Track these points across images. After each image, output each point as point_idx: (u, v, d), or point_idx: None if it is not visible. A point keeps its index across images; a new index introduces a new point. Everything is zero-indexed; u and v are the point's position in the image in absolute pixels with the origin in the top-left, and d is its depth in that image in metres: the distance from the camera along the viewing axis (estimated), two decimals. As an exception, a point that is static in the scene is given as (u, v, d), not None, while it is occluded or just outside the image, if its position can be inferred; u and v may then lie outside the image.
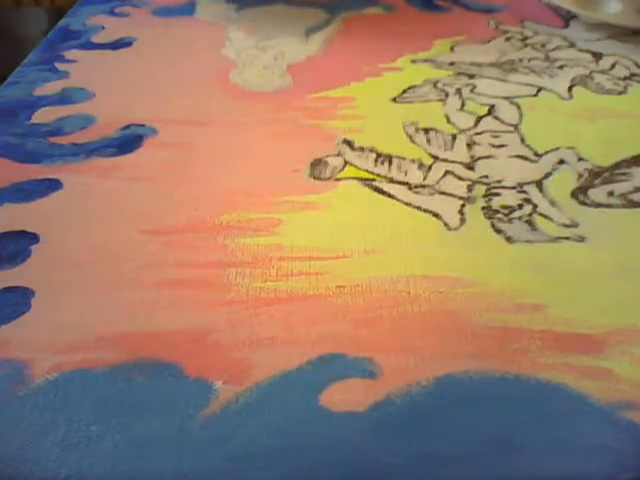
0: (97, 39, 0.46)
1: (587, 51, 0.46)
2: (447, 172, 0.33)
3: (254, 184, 0.32)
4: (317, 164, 0.33)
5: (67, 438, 0.21)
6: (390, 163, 0.34)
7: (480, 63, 0.44)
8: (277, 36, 0.47)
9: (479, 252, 0.28)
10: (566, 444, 0.21)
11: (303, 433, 0.21)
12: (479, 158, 0.34)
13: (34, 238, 0.28)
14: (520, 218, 0.30)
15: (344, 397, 0.22)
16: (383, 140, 0.35)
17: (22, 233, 0.29)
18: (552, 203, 0.31)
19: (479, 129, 0.37)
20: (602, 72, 0.43)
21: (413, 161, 0.34)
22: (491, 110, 0.38)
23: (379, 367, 0.23)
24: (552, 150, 0.35)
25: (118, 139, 0.35)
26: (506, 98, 0.40)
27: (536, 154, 0.35)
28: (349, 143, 0.35)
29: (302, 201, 0.31)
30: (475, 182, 0.32)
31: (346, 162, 0.34)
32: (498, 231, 0.29)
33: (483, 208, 0.31)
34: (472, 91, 0.40)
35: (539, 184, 0.32)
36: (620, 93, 0.41)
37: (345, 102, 0.39)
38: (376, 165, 0.33)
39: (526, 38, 0.48)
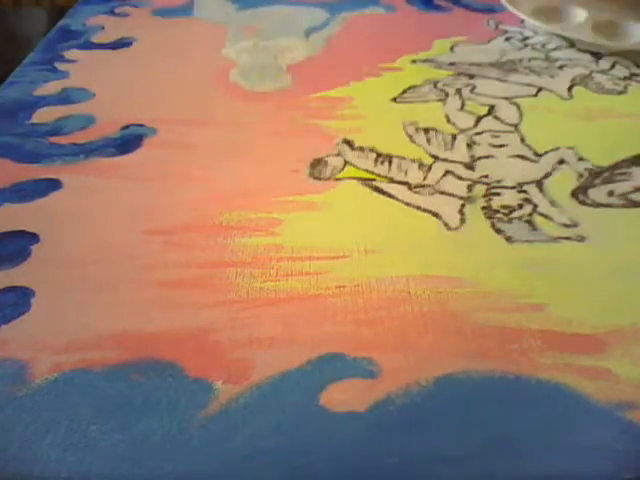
0: (97, 39, 0.46)
1: (587, 51, 0.46)
2: (447, 172, 0.33)
3: (254, 184, 0.32)
4: (317, 164, 0.33)
5: (67, 438, 0.21)
6: (390, 163, 0.34)
7: (480, 63, 0.44)
8: (277, 36, 0.47)
9: (479, 252, 0.28)
10: (566, 444, 0.21)
11: (303, 433, 0.21)
12: (479, 158, 0.34)
13: (34, 238, 0.28)
14: (520, 218, 0.30)
15: (344, 397, 0.22)
16: (383, 140, 0.35)
17: (22, 233, 0.29)
18: (552, 203, 0.31)
19: (479, 129, 0.37)
20: (602, 72, 0.43)
21: (413, 161, 0.34)
22: (491, 110, 0.38)
23: (379, 367, 0.23)
24: (552, 150, 0.35)
25: (118, 139, 0.35)
26: (506, 98, 0.40)
27: (536, 154, 0.35)
28: (349, 143, 0.35)
29: (302, 201, 0.31)
30: (475, 182, 0.32)
31: (346, 162, 0.34)
32: (498, 231, 0.29)
33: (483, 208, 0.31)
34: (472, 91, 0.40)
35: (539, 184, 0.32)
36: (620, 93, 0.41)
37: (345, 102, 0.39)
38: (376, 165, 0.33)
39: (526, 38, 0.48)
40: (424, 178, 0.33)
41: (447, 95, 0.40)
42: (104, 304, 0.25)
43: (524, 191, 0.32)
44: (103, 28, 0.47)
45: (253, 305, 0.25)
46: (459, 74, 0.42)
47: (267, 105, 0.38)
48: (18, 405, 0.22)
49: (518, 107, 0.39)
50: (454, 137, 0.36)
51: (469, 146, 0.35)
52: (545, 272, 0.27)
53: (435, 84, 0.41)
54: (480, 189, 0.32)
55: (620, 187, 0.32)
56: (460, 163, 0.34)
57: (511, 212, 0.30)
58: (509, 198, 0.31)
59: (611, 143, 0.36)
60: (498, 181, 0.32)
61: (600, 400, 0.22)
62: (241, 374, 0.23)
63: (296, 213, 0.30)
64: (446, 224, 0.30)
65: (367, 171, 0.33)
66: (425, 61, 0.44)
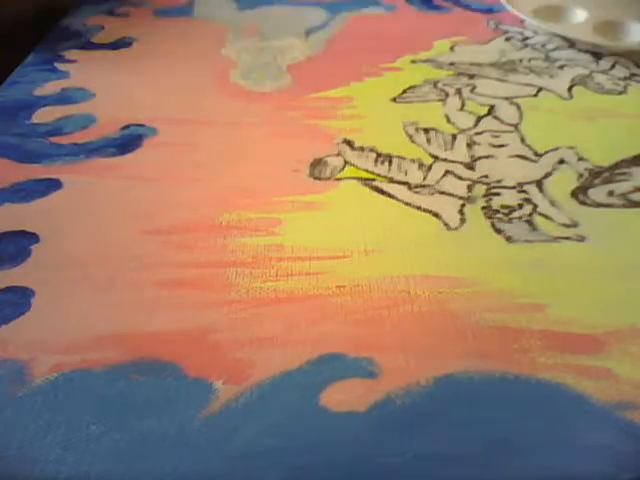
0: (97, 39, 0.46)
1: (587, 51, 0.46)
2: (447, 172, 0.33)
3: (254, 184, 0.32)
4: (317, 164, 0.33)
5: (67, 438, 0.21)
6: (390, 163, 0.34)
7: (480, 63, 0.44)
8: (277, 36, 0.47)
9: (479, 252, 0.28)
10: (566, 444, 0.21)
11: (303, 433, 0.21)
12: (479, 158, 0.34)
13: (34, 238, 0.28)
14: (520, 218, 0.30)
15: (344, 397, 0.22)
16: (383, 140, 0.35)
17: (22, 233, 0.29)
18: (552, 203, 0.31)
19: (479, 129, 0.37)
20: (602, 72, 0.43)
21: (413, 161, 0.34)
22: (491, 110, 0.38)
23: (379, 367, 0.23)
24: (552, 150, 0.35)
25: (118, 139, 0.35)
26: (506, 98, 0.40)
27: (536, 154, 0.35)
28: (349, 143, 0.35)
29: (302, 201, 0.31)
30: (475, 182, 0.32)
31: (346, 162, 0.34)
32: (498, 231, 0.29)
33: (483, 208, 0.31)
34: (472, 91, 0.40)
35: (539, 184, 0.32)
36: (620, 93, 0.41)
37: (345, 102, 0.39)
38: (376, 165, 0.33)
39: (526, 38, 0.48)
40: (424, 178, 0.33)
41: (447, 95, 0.40)
42: (104, 304, 0.25)
43: (524, 191, 0.32)
44: (103, 28, 0.47)
45: (253, 305, 0.25)
46: (459, 74, 0.42)
47: (267, 105, 0.38)
48: (18, 405, 0.22)
49: (518, 107, 0.39)
50: (454, 137, 0.36)
51: (469, 146, 0.35)
52: (545, 272, 0.27)
53: (435, 84, 0.41)
54: (480, 189, 0.32)
55: (620, 187, 0.32)
56: (460, 163, 0.34)
57: (511, 212, 0.30)
58: (509, 198, 0.31)
59: (611, 143, 0.36)
60: (498, 181, 0.32)
61: (600, 400, 0.22)
62: (241, 374, 0.23)
63: (296, 213, 0.30)
64: (446, 224, 0.30)
65: (367, 171, 0.33)
66: (425, 61, 0.44)
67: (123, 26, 0.48)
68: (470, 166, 0.34)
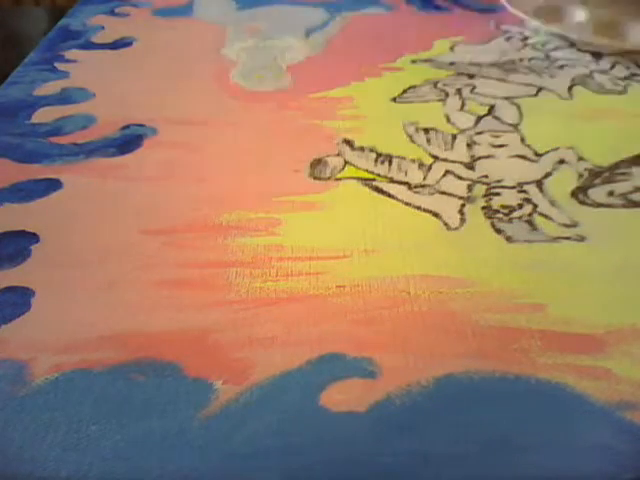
0: (97, 39, 0.46)
1: (587, 51, 0.46)
2: (447, 172, 0.33)
3: (254, 184, 0.32)
4: (317, 164, 0.33)
5: (67, 438, 0.21)
6: (390, 163, 0.34)
7: (480, 63, 0.44)
8: (277, 36, 0.47)
9: (479, 252, 0.28)
10: (566, 444, 0.21)
11: (303, 433, 0.21)
12: (479, 158, 0.34)
13: (34, 238, 0.28)
14: (520, 218, 0.30)
15: (344, 397, 0.22)
16: (383, 140, 0.35)
17: (22, 233, 0.29)
18: (552, 203, 0.31)
19: (479, 129, 0.37)
20: (602, 72, 0.43)
21: (413, 161, 0.34)
22: (491, 110, 0.38)
23: (379, 367, 0.23)
24: (552, 150, 0.35)
25: (118, 139, 0.35)
26: (506, 98, 0.40)
27: (536, 154, 0.35)
28: (349, 143, 0.35)
29: (302, 201, 0.31)
30: (475, 182, 0.32)
31: (346, 162, 0.34)
32: (498, 231, 0.29)
33: (483, 208, 0.31)
34: (472, 91, 0.40)
35: (539, 184, 0.32)
36: (620, 93, 0.41)
37: (345, 102, 0.39)
38: (376, 165, 0.33)
39: (526, 38, 0.48)
40: (424, 178, 0.33)
41: (447, 95, 0.40)
42: (104, 304, 0.25)
43: (524, 191, 0.32)
44: (103, 28, 0.47)
45: (253, 305, 0.25)
46: (459, 74, 0.42)
47: (267, 105, 0.38)
48: (18, 405, 0.22)
49: (518, 107, 0.39)
50: (454, 137, 0.36)
51: (469, 146, 0.35)
52: (545, 272, 0.27)
53: (435, 84, 0.41)
54: (480, 189, 0.32)
55: (620, 187, 0.32)
56: (460, 163, 0.34)
57: (511, 212, 0.30)
58: (509, 198, 0.31)
59: (611, 143, 0.36)
60: (498, 181, 0.32)
61: (600, 400, 0.22)
62: (241, 374, 0.23)
63: (296, 213, 0.30)
64: (446, 224, 0.30)
65: (367, 171, 0.33)
66: (425, 61, 0.44)
67: (123, 26, 0.48)
68: (470, 166, 0.34)
